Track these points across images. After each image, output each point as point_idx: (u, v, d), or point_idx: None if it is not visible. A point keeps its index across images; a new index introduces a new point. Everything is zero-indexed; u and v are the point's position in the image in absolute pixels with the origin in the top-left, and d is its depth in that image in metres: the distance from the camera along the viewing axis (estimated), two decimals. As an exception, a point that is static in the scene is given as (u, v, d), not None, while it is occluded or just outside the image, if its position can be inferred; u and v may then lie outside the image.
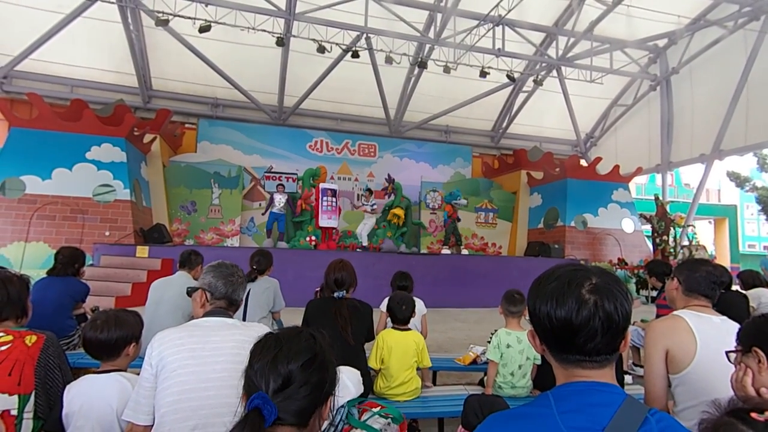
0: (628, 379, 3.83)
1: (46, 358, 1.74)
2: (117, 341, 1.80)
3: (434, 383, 3.45)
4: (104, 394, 1.67)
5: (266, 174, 10.58)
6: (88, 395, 1.67)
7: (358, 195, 13.90)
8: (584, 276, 0.88)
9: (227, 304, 1.68)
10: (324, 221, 10.33)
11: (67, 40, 10.76)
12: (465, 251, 11.79)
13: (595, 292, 0.85)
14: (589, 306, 0.83)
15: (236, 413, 0.96)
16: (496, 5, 9.90)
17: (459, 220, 11.96)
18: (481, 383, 3.08)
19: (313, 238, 10.99)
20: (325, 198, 10.35)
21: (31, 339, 1.75)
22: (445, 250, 11.26)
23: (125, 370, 1.83)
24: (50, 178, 8.83)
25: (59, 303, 3.35)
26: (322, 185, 10.63)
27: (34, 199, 8.68)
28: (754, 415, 0.89)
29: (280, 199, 10.39)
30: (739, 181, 25.29)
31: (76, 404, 1.65)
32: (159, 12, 9.68)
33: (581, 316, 0.83)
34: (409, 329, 2.80)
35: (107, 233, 8.94)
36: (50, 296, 3.30)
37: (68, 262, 3.54)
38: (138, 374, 1.69)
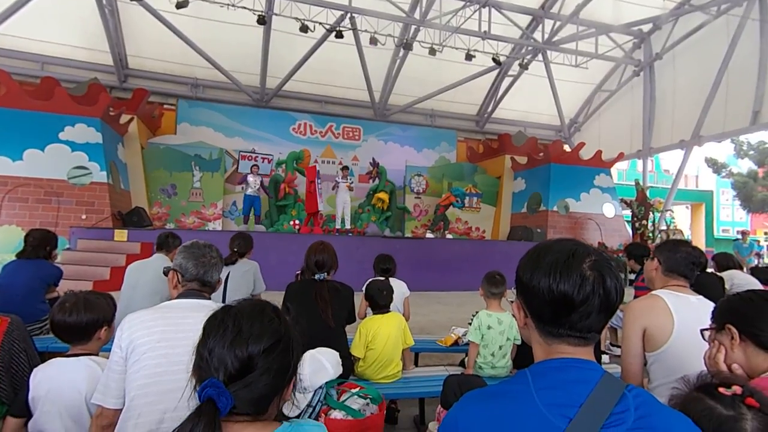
0: (605, 358, 3.92)
1: (10, 341, 1.67)
2: (87, 325, 1.73)
3: (416, 364, 3.48)
4: (73, 378, 1.62)
5: (242, 154, 10.33)
6: (56, 380, 1.61)
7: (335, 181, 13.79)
8: (584, 251, 0.85)
9: (199, 285, 1.62)
10: (320, 205, 10.16)
11: (36, 14, 10.26)
12: (449, 235, 11.85)
13: (596, 268, 0.82)
14: (590, 282, 0.81)
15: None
16: (483, -14, 9.78)
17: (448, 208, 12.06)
18: (462, 364, 3.11)
19: (297, 222, 10.88)
20: (318, 180, 10.17)
21: (-6, 322, 1.68)
22: (429, 235, 11.30)
23: (96, 354, 1.77)
24: (21, 159, 8.48)
25: (29, 287, 3.24)
26: (318, 167, 10.43)
27: (5, 180, 8.35)
28: (721, 389, 0.90)
29: (254, 181, 10.20)
30: (716, 167, 25.94)
31: (43, 388, 1.60)
32: (133, -14, 9.29)
33: (584, 291, 0.81)
34: (389, 311, 2.79)
35: (84, 216, 8.68)
36: (20, 280, 3.20)
37: (39, 244, 3.43)
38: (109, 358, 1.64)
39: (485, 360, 2.75)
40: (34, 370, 1.65)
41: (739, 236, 11.97)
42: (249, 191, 10.23)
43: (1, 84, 9.03)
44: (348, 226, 10.48)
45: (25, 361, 1.72)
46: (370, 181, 13.14)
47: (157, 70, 12.34)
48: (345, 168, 10.58)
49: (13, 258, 3.47)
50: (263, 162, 10.35)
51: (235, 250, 3.59)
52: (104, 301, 1.84)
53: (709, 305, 1.66)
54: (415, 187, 13.79)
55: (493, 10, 11.17)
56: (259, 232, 9.51)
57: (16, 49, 10.94)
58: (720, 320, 1.32)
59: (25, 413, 1.61)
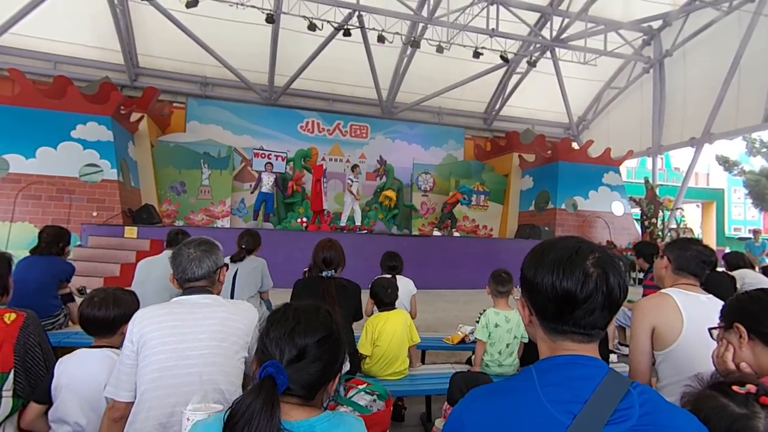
0: (613, 357, 3.90)
1: (26, 336, 1.71)
2: (114, 319, 1.80)
3: (423, 362, 3.49)
4: (93, 369, 1.67)
5: (255, 151, 10.39)
6: (77, 370, 1.67)
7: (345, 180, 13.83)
8: (588, 248, 0.85)
9: (187, 283, 1.63)
10: (325, 203, 10.17)
11: (49, 14, 10.39)
12: (456, 233, 11.83)
13: (599, 265, 0.83)
14: (594, 279, 0.81)
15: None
16: (491, -17, 9.73)
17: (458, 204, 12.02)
18: (468, 362, 3.11)
19: (304, 219, 10.93)
20: (324, 179, 10.17)
21: (10, 317, 1.72)
22: (436, 232, 11.29)
23: (118, 348, 1.82)
24: (34, 157, 8.61)
25: (42, 282, 3.29)
26: (326, 164, 10.44)
27: (18, 178, 8.48)
28: (735, 387, 0.90)
29: (268, 179, 10.23)
30: (727, 165, 25.59)
31: (65, 378, 1.65)
32: (143, -15, 9.37)
33: (587, 288, 0.81)
34: (395, 308, 2.80)
35: (95, 214, 8.80)
36: (33, 275, 3.25)
37: (52, 241, 3.48)
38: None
39: (492, 358, 2.75)
40: (60, 359, 1.72)
41: (751, 235, 11.82)
42: (264, 188, 10.23)
43: (15, 83, 9.18)
44: (358, 222, 10.46)
45: (40, 355, 1.76)
46: (378, 179, 13.14)
47: (167, 69, 12.45)
48: (355, 166, 10.59)
49: (27, 254, 3.54)
50: (277, 160, 10.42)
51: (243, 246, 3.62)
52: (130, 297, 1.93)
53: (719, 304, 1.64)
54: (423, 185, 13.77)
55: (501, 7, 11.11)
56: (267, 229, 9.57)
57: (29, 49, 11.10)
58: (728, 319, 1.31)
59: (47, 400, 1.67)
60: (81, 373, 1.66)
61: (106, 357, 1.71)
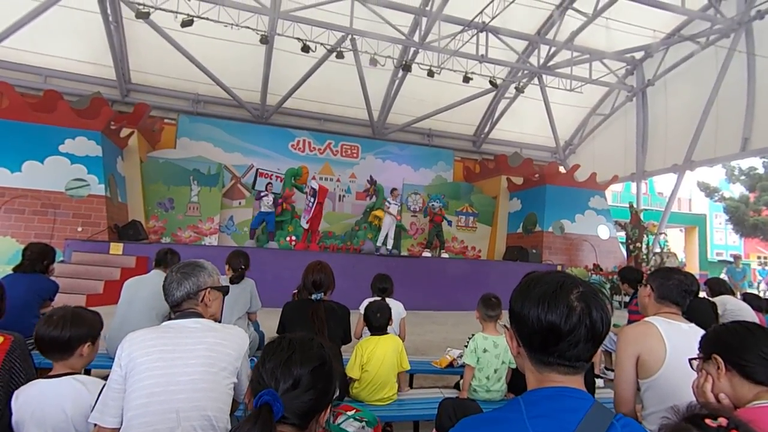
0: (599, 382, 3.91)
1: (12, 360, 1.67)
2: (71, 339, 1.69)
3: (411, 386, 3.47)
4: (57, 399, 1.58)
5: (261, 171, 10.50)
6: (40, 402, 1.58)
7: (340, 196, 13.87)
8: (572, 283, 0.90)
9: (173, 307, 1.63)
10: (302, 221, 10.19)
11: (42, 28, 10.42)
12: (445, 254, 11.88)
13: (583, 299, 0.87)
14: (577, 312, 0.85)
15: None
16: (481, 12, 10.03)
17: (448, 223, 12.07)
18: (456, 386, 3.10)
19: (293, 238, 10.88)
20: (311, 199, 10.21)
21: (-4, 340, 1.68)
22: (426, 253, 11.32)
23: (80, 373, 1.74)
24: (20, 171, 8.49)
25: (25, 301, 3.22)
26: (310, 183, 10.51)
27: (2, 192, 8.33)
28: (708, 421, 0.93)
29: (267, 199, 10.25)
30: (708, 191, 26.25)
31: (27, 411, 1.56)
32: (139, 4, 9.46)
33: (571, 321, 0.85)
34: (387, 333, 2.80)
35: (80, 229, 8.66)
36: (16, 294, 3.17)
37: (36, 258, 3.43)
38: (100, 376, 1.63)
39: (480, 383, 2.75)
40: (16, 392, 1.61)
41: (732, 260, 12.06)
42: (264, 208, 10.26)
43: (4, 96, 9.11)
44: (389, 246, 10.47)
45: (24, 380, 1.71)
46: (368, 198, 13.20)
47: (159, 85, 12.49)
48: (394, 189, 10.69)
49: (9, 270, 3.47)
50: (276, 180, 10.55)
51: (243, 267, 3.59)
52: (92, 316, 1.81)
53: (700, 333, 1.69)
54: (412, 206, 13.86)
55: (490, 34, 11.44)
56: (262, 248, 9.51)
57: (20, 62, 11.06)
58: (707, 350, 1.35)
59: None
60: (44, 405, 1.56)
61: (70, 386, 1.62)
